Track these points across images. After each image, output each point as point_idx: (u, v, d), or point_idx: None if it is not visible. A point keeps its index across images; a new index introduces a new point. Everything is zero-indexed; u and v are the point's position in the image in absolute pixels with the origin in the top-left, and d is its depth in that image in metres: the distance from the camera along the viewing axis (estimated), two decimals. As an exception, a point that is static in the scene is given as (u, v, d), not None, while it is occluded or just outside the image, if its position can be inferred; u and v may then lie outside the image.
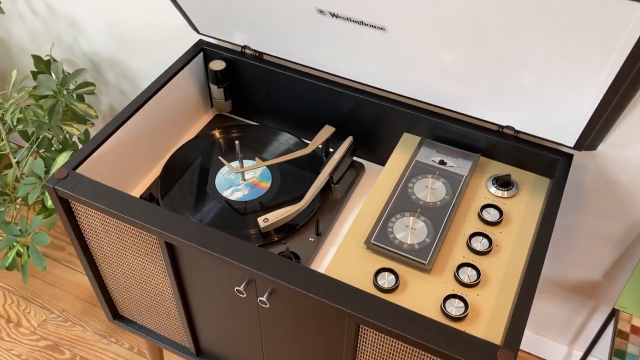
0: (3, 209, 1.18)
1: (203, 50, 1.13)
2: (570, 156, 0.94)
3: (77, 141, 1.40)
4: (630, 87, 0.75)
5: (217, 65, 1.11)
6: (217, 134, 1.12)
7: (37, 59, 1.31)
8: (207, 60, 1.14)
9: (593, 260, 1.15)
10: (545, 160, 0.95)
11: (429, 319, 0.73)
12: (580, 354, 1.34)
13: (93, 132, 1.47)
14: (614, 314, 1.12)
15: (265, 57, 1.10)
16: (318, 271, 0.78)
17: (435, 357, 0.73)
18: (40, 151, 1.31)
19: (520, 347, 1.43)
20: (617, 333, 1.07)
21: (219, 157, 1.04)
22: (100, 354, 1.43)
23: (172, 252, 0.88)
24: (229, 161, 1.06)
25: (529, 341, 1.41)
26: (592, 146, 0.91)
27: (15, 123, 1.17)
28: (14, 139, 1.64)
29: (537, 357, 1.44)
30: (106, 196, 0.87)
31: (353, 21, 0.84)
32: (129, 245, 0.92)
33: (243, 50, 1.10)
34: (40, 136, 1.24)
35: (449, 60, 0.85)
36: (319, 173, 1.02)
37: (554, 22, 0.70)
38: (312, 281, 0.77)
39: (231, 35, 1.08)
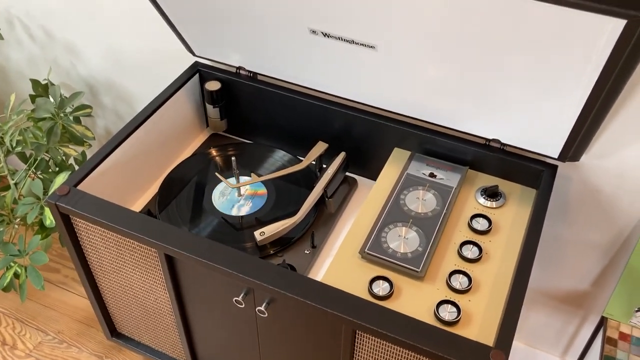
0: (2, 228, 1.19)
1: (199, 71, 1.16)
2: (555, 167, 0.98)
3: (74, 162, 1.42)
4: (607, 98, 0.79)
5: (213, 85, 1.14)
6: (213, 151, 1.15)
7: (35, 82, 1.34)
8: (202, 81, 1.17)
9: (581, 269, 1.18)
10: (531, 172, 0.99)
11: (423, 323, 0.76)
12: (572, 364, 1.37)
13: (90, 154, 1.49)
14: (602, 322, 1.15)
15: (259, 77, 1.13)
16: (315, 279, 0.81)
17: (430, 360, 0.75)
18: (38, 173, 1.33)
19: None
20: (606, 340, 1.10)
21: (216, 173, 1.07)
22: (96, 375, 1.43)
23: (171, 265, 0.90)
24: (226, 178, 1.08)
25: (521, 354, 1.43)
26: (576, 157, 0.95)
27: (14, 145, 1.19)
28: (11, 161, 1.66)
29: (530, 369, 1.45)
30: (107, 211, 0.89)
31: (344, 40, 0.88)
32: (128, 260, 0.94)
33: (238, 71, 1.14)
34: (39, 158, 1.26)
35: (436, 75, 0.89)
36: (313, 188, 1.05)
37: (532, 37, 0.74)
38: (309, 289, 0.79)
39: (226, 57, 1.12)
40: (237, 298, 0.86)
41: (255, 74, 1.13)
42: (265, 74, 1.11)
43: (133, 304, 1.05)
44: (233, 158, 1.04)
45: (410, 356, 0.77)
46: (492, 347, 0.74)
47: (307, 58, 0.99)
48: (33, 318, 1.54)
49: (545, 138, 0.93)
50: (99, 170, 0.98)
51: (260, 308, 0.84)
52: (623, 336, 1.10)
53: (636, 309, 1.10)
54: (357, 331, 0.78)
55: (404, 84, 0.94)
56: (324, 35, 0.89)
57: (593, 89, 0.78)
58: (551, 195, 0.95)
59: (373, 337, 0.78)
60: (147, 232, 0.86)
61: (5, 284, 1.20)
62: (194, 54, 1.16)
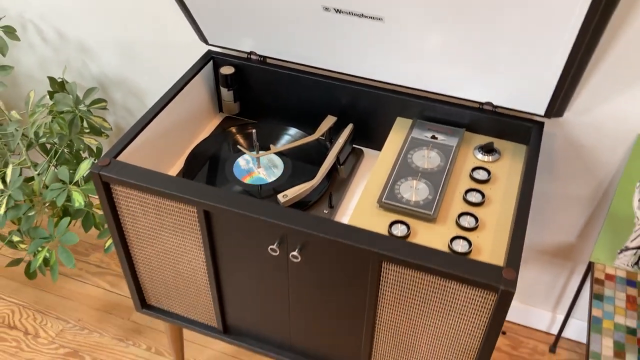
0: (33, 212, 1.27)
1: (212, 58, 1.26)
2: (542, 124, 1.10)
3: (88, 155, 1.50)
4: (586, 51, 0.92)
5: (227, 70, 1.25)
6: (233, 129, 1.25)
7: (52, 80, 1.42)
8: (216, 68, 1.27)
9: (567, 222, 1.30)
10: (522, 129, 1.11)
11: (442, 251, 0.87)
12: (563, 317, 1.48)
13: (106, 144, 1.57)
14: (589, 270, 1.27)
15: (269, 60, 1.24)
16: (343, 222, 0.91)
17: (451, 282, 0.86)
18: (57, 165, 1.41)
19: (509, 319, 1.58)
20: (595, 281, 1.22)
21: (238, 146, 1.16)
22: (119, 356, 1.50)
23: (208, 222, 0.99)
24: (245, 152, 1.19)
25: (516, 312, 1.55)
26: (560, 113, 1.07)
27: (40, 134, 1.27)
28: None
29: (526, 326, 1.57)
30: (148, 176, 0.98)
31: (354, 14, 1.00)
32: (166, 223, 1.03)
33: (249, 56, 1.25)
34: (61, 148, 1.35)
35: (436, 43, 1.01)
36: (325, 158, 1.15)
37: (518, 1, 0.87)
38: (339, 230, 0.89)
39: (238, 43, 1.23)
40: (272, 246, 0.95)
41: (265, 57, 1.24)
42: (275, 57, 1.22)
43: (166, 271, 1.14)
44: (254, 130, 1.14)
45: (432, 280, 0.88)
46: (504, 267, 0.85)
47: (318, 37, 1.11)
48: (53, 309, 1.61)
49: (532, 97, 1.05)
50: (128, 150, 1.07)
51: (293, 253, 0.94)
52: (609, 277, 1.23)
53: (618, 252, 1.22)
54: (383, 262, 0.89)
55: (407, 53, 1.06)
56: (336, 12, 1.01)
57: (574, 43, 0.90)
58: (538, 157, 1.07)
59: (397, 266, 0.88)
60: (187, 191, 0.95)
61: (37, 265, 1.27)
62: (207, 43, 1.27)
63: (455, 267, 0.85)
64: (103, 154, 1.51)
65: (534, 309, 1.53)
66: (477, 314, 0.89)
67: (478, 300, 0.87)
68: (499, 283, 0.83)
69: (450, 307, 0.90)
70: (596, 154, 1.17)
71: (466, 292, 0.86)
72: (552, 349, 1.52)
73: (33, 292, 1.64)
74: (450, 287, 0.87)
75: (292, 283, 1.02)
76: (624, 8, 0.97)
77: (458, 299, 0.88)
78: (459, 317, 0.91)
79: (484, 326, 0.90)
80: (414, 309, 0.93)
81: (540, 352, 1.52)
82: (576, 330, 1.50)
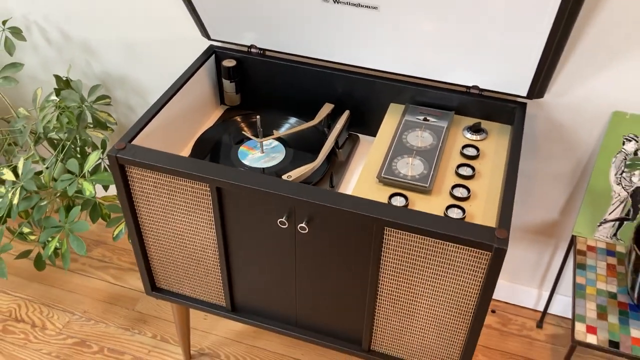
0: (45, 202, 1.32)
1: (215, 52, 1.34)
2: (524, 104, 1.19)
3: (92, 151, 1.56)
4: (561, 37, 1.01)
5: (229, 62, 1.32)
6: (238, 118, 1.32)
7: (58, 78, 1.48)
8: (217, 62, 1.35)
9: (550, 200, 1.39)
10: (506, 110, 1.20)
11: (440, 216, 0.95)
12: (548, 294, 1.57)
13: (111, 138, 1.63)
14: (572, 244, 1.36)
15: (268, 53, 1.32)
16: (348, 193, 0.99)
17: (448, 243, 0.94)
18: (64, 159, 1.47)
19: (497, 298, 1.66)
20: (577, 252, 1.31)
21: (242, 132, 1.24)
22: (126, 344, 1.55)
23: (220, 199, 1.06)
24: (249, 139, 1.26)
25: (504, 290, 1.64)
26: (541, 94, 1.17)
27: (51, 128, 1.33)
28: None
29: (514, 304, 1.66)
30: (162, 157, 1.05)
31: (351, 4, 1.08)
32: (178, 202, 1.10)
33: (249, 49, 1.33)
34: (69, 141, 1.40)
35: (427, 29, 1.09)
36: (324, 143, 1.23)
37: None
38: (344, 200, 0.97)
39: (239, 37, 1.30)
40: (281, 219, 1.03)
41: (265, 50, 1.32)
42: (275, 49, 1.30)
43: (176, 252, 1.20)
44: (258, 117, 1.21)
45: (431, 244, 0.95)
46: (496, 227, 0.93)
47: (316, 28, 1.19)
48: (58, 302, 1.66)
49: (514, 79, 1.14)
50: (140, 137, 1.14)
51: (301, 225, 1.01)
52: (590, 248, 1.32)
53: (598, 224, 1.32)
54: (385, 228, 0.96)
55: (400, 41, 1.14)
56: (335, 2, 1.09)
57: (551, 27, 1.00)
58: (522, 135, 1.16)
59: (399, 232, 0.96)
60: (201, 170, 1.02)
61: (49, 254, 1.33)
62: (209, 38, 1.34)
63: (452, 229, 0.93)
64: (108, 147, 1.58)
65: (521, 286, 1.61)
66: (472, 274, 0.96)
67: (474, 260, 0.95)
68: (492, 242, 0.91)
69: (448, 269, 0.97)
70: (574, 132, 1.26)
71: (463, 253, 0.94)
72: (539, 324, 1.61)
73: (38, 287, 1.69)
74: (447, 250, 0.95)
75: (299, 255, 1.09)
76: (595, -5, 1.07)
77: (455, 260, 0.96)
78: (456, 279, 0.98)
79: (479, 285, 0.98)
80: (414, 274, 1.01)
81: (528, 328, 1.61)
82: (561, 305, 1.59)
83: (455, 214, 1.02)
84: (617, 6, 1.07)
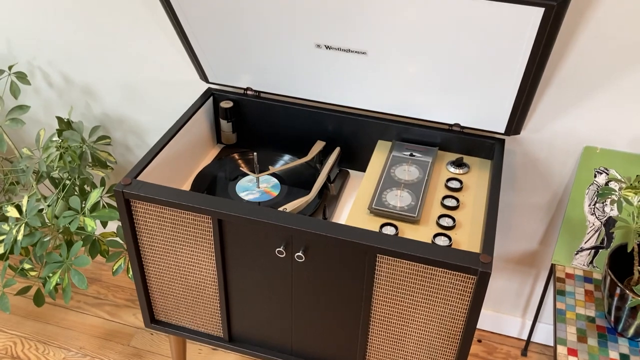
0: (48, 238, 1.37)
1: (212, 95, 1.42)
2: (503, 140, 1.29)
3: (91, 190, 1.62)
4: (534, 78, 1.11)
5: (226, 104, 1.40)
6: (236, 155, 1.39)
7: (60, 119, 1.55)
8: (215, 103, 1.43)
9: (529, 230, 1.48)
10: (486, 146, 1.29)
11: (428, 243, 1.02)
12: (531, 322, 1.64)
13: (113, 176, 1.69)
14: (552, 272, 1.44)
15: (263, 95, 1.41)
16: (342, 223, 1.06)
17: (436, 269, 1.01)
18: (65, 197, 1.52)
19: (483, 327, 1.72)
20: (557, 279, 1.38)
21: (240, 168, 1.31)
22: (122, 378, 1.58)
23: (221, 230, 1.12)
24: (246, 175, 1.33)
25: (489, 320, 1.70)
26: (517, 131, 1.26)
27: (54, 166, 1.39)
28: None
29: (499, 334, 1.72)
30: (166, 192, 1.11)
31: (342, 50, 1.18)
32: (181, 234, 1.16)
33: (245, 91, 1.41)
34: (71, 180, 1.46)
35: (411, 73, 1.19)
36: (316, 178, 1.30)
37: (477, 34, 1.06)
38: (339, 229, 1.04)
39: (236, 80, 1.39)
40: (279, 249, 1.09)
41: (260, 92, 1.40)
42: (269, 92, 1.39)
43: (176, 284, 1.25)
44: (255, 154, 1.29)
45: (420, 268, 1.02)
46: (480, 253, 1.00)
47: (308, 72, 1.28)
48: (54, 339, 1.68)
49: (493, 117, 1.24)
50: (143, 174, 1.20)
51: (298, 254, 1.08)
52: (569, 275, 1.39)
53: (575, 253, 1.40)
54: (377, 255, 1.03)
55: (386, 83, 1.24)
56: (327, 48, 1.18)
57: (524, 71, 1.09)
58: (502, 168, 1.25)
59: (390, 258, 1.03)
60: (203, 203, 1.09)
61: (50, 289, 1.37)
62: (207, 81, 1.43)
63: (440, 255, 1.00)
64: (107, 185, 1.64)
65: (505, 316, 1.68)
66: (460, 297, 1.03)
67: (460, 284, 1.02)
68: (477, 266, 0.98)
69: (437, 293, 1.04)
70: (550, 166, 1.36)
71: (450, 278, 1.01)
72: (524, 352, 1.67)
73: (34, 324, 1.71)
74: (436, 275, 1.02)
75: (295, 284, 1.15)
76: (564, 37, 1.18)
77: (443, 285, 1.03)
78: (444, 302, 1.05)
79: (465, 308, 1.04)
80: (405, 299, 1.07)
81: (513, 357, 1.66)
82: (544, 334, 1.66)
83: (442, 241, 1.09)
84: (585, 50, 1.18)
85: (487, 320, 1.70)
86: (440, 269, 1.01)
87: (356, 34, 1.13)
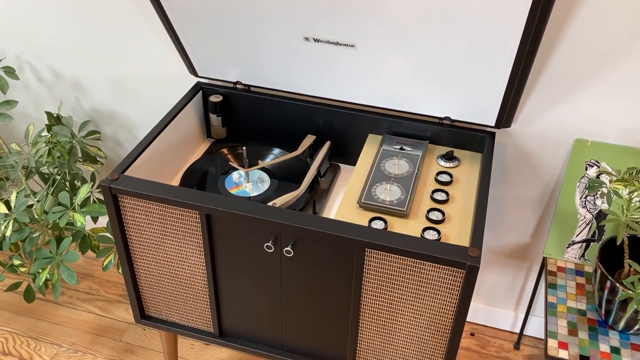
0: (37, 234, 1.36)
1: (202, 88, 1.41)
2: (493, 133, 1.28)
3: (81, 185, 1.61)
4: (524, 70, 1.10)
5: (216, 98, 1.39)
6: (225, 150, 1.38)
7: (49, 114, 1.54)
8: (204, 97, 1.42)
9: (521, 223, 1.47)
10: (476, 139, 1.29)
11: (417, 237, 1.01)
12: (524, 316, 1.64)
13: (102, 171, 1.68)
14: (544, 265, 1.44)
15: (253, 89, 1.40)
16: (330, 218, 1.05)
17: (425, 263, 1.00)
18: (54, 193, 1.51)
19: (476, 321, 1.72)
20: (548, 273, 1.38)
21: (229, 162, 1.30)
22: (113, 374, 1.57)
23: (209, 225, 1.11)
24: (235, 169, 1.32)
25: (482, 313, 1.70)
26: (507, 123, 1.25)
27: (43, 162, 1.38)
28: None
29: (492, 327, 1.71)
30: (154, 187, 1.11)
31: (331, 43, 1.17)
32: (169, 229, 1.15)
33: (235, 85, 1.40)
34: (60, 175, 1.45)
35: (401, 65, 1.18)
36: (306, 172, 1.30)
37: (465, 25, 1.05)
38: (327, 224, 1.03)
39: (225, 74, 1.38)
40: (267, 244, 1.08)
41: (250, 86, 1.39)
42: (259, 85, 1.38)
43: (166, 279, 1.25)
44: (244, 148, 1.28)
45: (409, 263, 1.02)
46: (469, 247, 1.00)
47: (297, 65, 1.27)
48: (46, 335, 1.67)
49: (483, 110, 1.23)
50: (131, 169, 1.19)
51: (287, 248, 1.07)
52: (560, 269, 1.39)
53: (566, 246, 1.39)
54: (366, 250, 1.03)
55: (376, 76, 1.23)
56: (315, 41, 1.17)
57: (514, 62, 1.09)
58: (492, 162, 1.24)
59: (379, 252, 1.02)
60: (191, 198, 1.08)
61: (40, 284, 1.36)
62: (196, 75, 1.41)
63: (429, 249, 0.99)
64: (97, 180, 1.63)
65: (498, 309, 1.68)
66: (448, 291, 1.03)
67: (449, 278, 1.01)
68: (466, 260, 0.98)
69: (426, 287, 1.04)
70: (541, 159, 1.35)
71: (439, 272, 1.01)
72: (517, 345, 1.66)
73: (26, 320, 1.71)
74: (425, 269, 1.01)
75: (284, 279, 1.15)
76: (554, 27, 1.17)
77: (432, 279, 1.02)
78: (433, 296, 1.05)
79: (455, 302, 1.04)
80: (394, 293, 1.07)
81: (506, 350, 1.66)
82: (536, 327, 1.66)
83: (431, 235, 1.09)
84: (575, 41, 1.17)
85: (480, 313, 1.70)
86: (429, 263, 1.00)
87: (344, 27, 1.12)
